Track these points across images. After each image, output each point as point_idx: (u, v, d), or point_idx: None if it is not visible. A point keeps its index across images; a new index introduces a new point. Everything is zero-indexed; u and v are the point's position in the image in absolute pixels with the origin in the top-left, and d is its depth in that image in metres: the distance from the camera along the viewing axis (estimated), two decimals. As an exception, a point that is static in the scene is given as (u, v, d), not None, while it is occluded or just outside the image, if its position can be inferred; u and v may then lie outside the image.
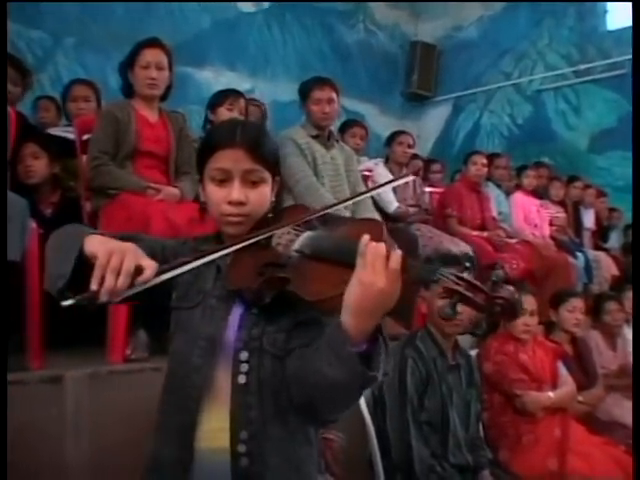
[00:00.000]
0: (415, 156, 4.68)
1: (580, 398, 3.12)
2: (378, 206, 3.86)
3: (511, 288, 0.98)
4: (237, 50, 6.70)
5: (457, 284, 0.99)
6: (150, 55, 2.69)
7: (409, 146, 4.26)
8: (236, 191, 1.19)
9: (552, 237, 4.87)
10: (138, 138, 2.67)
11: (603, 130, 6.75)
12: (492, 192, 4.79)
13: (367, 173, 4.18)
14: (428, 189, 4.54)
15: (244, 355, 1.15)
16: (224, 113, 3.09)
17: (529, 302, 2.89)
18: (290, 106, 6.74)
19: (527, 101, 7.49)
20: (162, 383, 1.24)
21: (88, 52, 5.62)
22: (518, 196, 4.90)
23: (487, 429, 2.72)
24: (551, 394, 2.82)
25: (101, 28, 5.62)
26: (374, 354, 1.01)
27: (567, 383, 2.96)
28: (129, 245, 1.03)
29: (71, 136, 3.07)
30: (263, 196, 1.24)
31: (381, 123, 7.49)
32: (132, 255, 1.00)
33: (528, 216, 4.82)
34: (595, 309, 3.78)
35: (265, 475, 1.13)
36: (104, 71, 5.02)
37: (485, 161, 4.56)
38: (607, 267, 4.97)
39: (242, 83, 6.10)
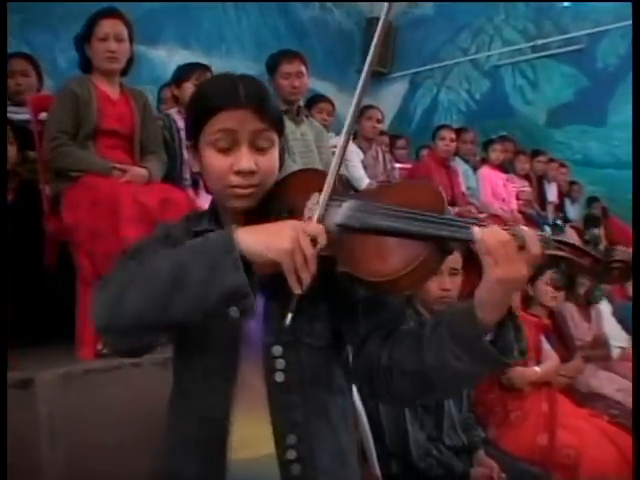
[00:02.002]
0: (381, 132, 4.57)
1: (561, 371, 3.10)
2: (349, 183, 3.75)
3: (625, 249, 0.85)
4: (191, 28, 6.44)
5: (562, 250, 0.86)
6: (108, 26, 2.47)
7: (378, 121, 4.15)
8: (245, 158, 1.01)
9: (519, 211, 4.85)
10: (100, 116, 2.45)
11: (561, 104, 6.78)
12: (460, 167, 4.73)
13: (335, 149, 4.04)
14: (397, 165, 4.43)
15: (278, 350, 1.01)
16: (190, 88, 2.89)
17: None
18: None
19: (484, 76, 7.47)
20: (171, 389, 1.09)
21: (35, 30, 5.26)
22: (485, 170, 4.87)
23: (474, 407, 2.65)
24: (537, 369, 2.78)
25: (48, 6, 5.28)
26: (506, 336, 0.90)
27: (551, 357, 2.93)
28: (290, 226, 0.90)
29: (18, 116, 2.81)
30: (273, 162, 1.06)
31: (338, 100, 7.34)
32: (303, 234, 0.88)
33: (495, 190, 4.80)
34: (569, 282, 3.76)
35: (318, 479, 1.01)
36: (52, 50, 4.74)
37: (453, 136, 4.52)
38: (571, 239, 5.00)
39: (197, 61, 5.87)
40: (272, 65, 3.19)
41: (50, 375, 1.79)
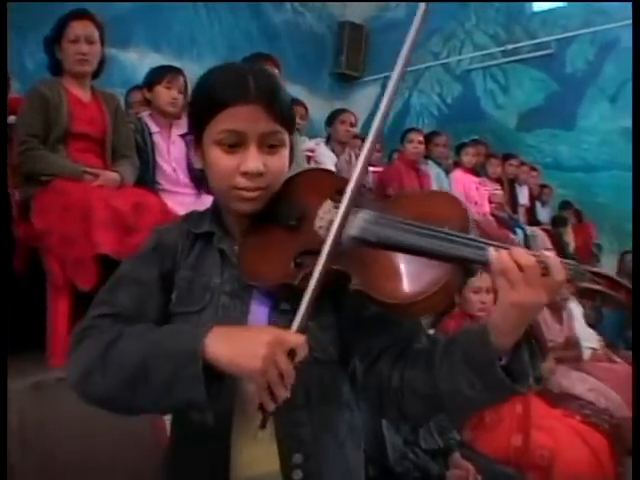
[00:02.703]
0: (355, 136, 4.58)
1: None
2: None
3: None
4: (162, 31, 6.38)
5: (597, 283, 0.81)
6: (79, 28, 2.44)
7: (351, 125, 4.16)
8: (253, 159, 0.94)
9: (492, 214, 4.91)
10: (70, 119, 2.41)
11: (531, 109, 6.87)
12: (432, 170, 4.77)
13: (309, 153, 4.05)
14: (370, 168, 4.44)
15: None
16: (162, 92, 2.87)
17: (484, 279, 2.85)
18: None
19: (456, 80, 7.55)
20: None
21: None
22: (458, 174, 4.91)
23: (450, 410, 2.67)
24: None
25: (16, 7, 5.18)
26: (521, 362, 0.84)
27: (524, 359, 2.96)
28: (267, 341, 0.81)
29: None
30: (283, 163, 0.99)
31: (310, 104, 7.33)
32: (280, 350, 0.80)
33: (468, 194, 4.84)
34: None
35: None
36: (20, 52, 4.64)
37: (421, 138, 4.54)
38: (543, 241, 5.09)
39: (169, 64, 5.81)
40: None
41: (21, 384, 1.75)
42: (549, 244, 5.14)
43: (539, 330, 3.52)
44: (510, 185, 5.53)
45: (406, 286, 0.84)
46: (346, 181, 0.92)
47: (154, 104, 2.89)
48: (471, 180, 4.95)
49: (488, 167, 5.17)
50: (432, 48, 7.71)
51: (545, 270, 0.79)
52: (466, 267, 0.85)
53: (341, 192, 0.92)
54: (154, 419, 1.71)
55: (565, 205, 6.11)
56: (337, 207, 0.91)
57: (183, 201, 2.65)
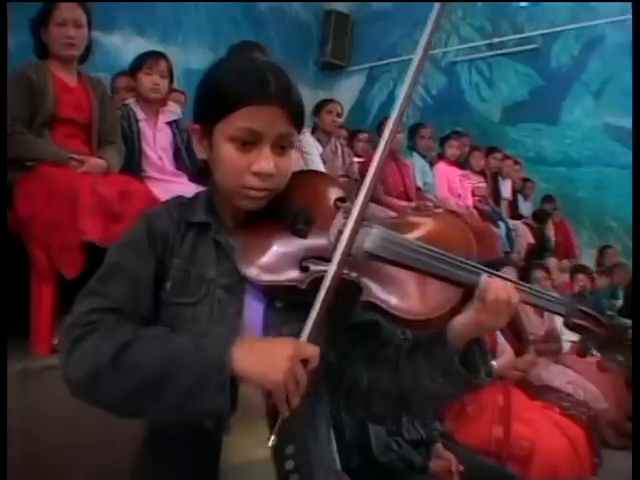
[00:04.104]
0: (340, 126, 4.57)
1: (516, 365, 3.18)
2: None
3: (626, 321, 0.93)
4: (147, 14, 6.28)
5: (584, 319, 0.92)
6: (66, 11, 2.40)
7: (338, 115, 4.15)
8: (266, 160, 0.94)
9: (475, 207, 4.94)
10: (56, 104, 2.37)
11: (515, 102, 6.91)
12: (417, 162, 4.78)
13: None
14: (356, 159, 4.45)
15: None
16: (143, 78, 2.82)
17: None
18: (203, 74, 6.48)
19: (441, 72, 7.55)
20: None
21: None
22: (441, 166, 4.93)
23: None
24: (494, 363, 2.84)
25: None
26: (474, 358, 0.95)
27: (506, 351, 3.01)
28: (287, 354, 0.84)
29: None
30: (290, 164, 1.00)
31: (295, 93, 7.32)
32: (297, 362, 0.84)
33: (452, 186, 4.87)
34: (523, 278, 3.85)
35: None
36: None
37: (399, 128, 4.51)
38: (524, 235, 5.15)
39: (152, 49, 5.72)
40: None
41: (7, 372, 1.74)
42: (531, 238, 5.20)
43: (520, 323, 3.57)
44: (493, 178, 5.57)
45: (419, 304, 0.92)
46: (348, 185, 0.97)
47: (137, 91, 2.86)
48: (455, 172, 4.97)
49: (472, 160, 5.19)
50: (418, 39, 7.66)
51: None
52: (469, 290, 0.92)
53: (344, 199, 0.99)
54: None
55: (547, 199, 6.18)
56: (347, 217, 0.93)
57: (169, 189, 2.63)
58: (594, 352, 3.49)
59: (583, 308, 0.92)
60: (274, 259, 0.95)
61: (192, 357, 0.85)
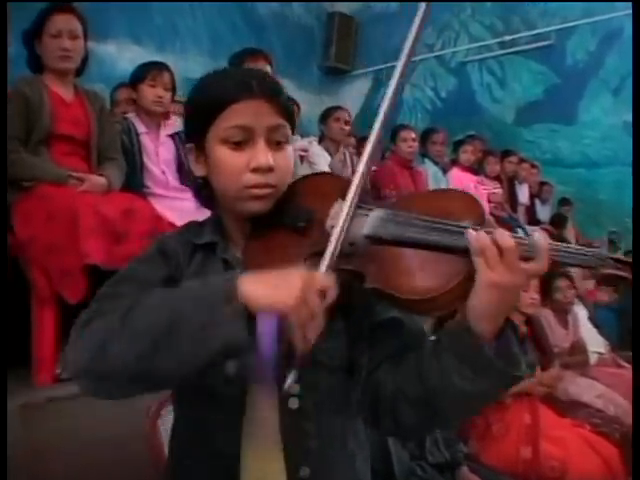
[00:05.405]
0: (348, 134, 4.56)
1: (541, 380, 3.14)
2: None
3: None
4: (142, 22, 6.32)
5: (619, 269, 0.86)
6: (61, 22, 2.42)
7: (346, 122, 4.15)
8: (262, 154, 0.96)
9: (491, 214, 4.90)
10: (53, 120, 2.38)
11: (529, 102, 6.89)
12: (429, 169, 4.76)
13: (302, 153, 4.03)
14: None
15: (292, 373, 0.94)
16: (146, 90, 2.83)
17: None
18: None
19: (451, 73, 7.56)
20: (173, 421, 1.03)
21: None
22: (455, 173, 4.91)
23: (455, 421, 2.67)
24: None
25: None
26: (509, 348, 0.87)
27: (531, 366, 2.96)
28: (298, 276, 0.82)
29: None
30: (290, 160, 1.02)
31: (298, 99, 7.31)
32: (311, 287, 0.81)
33: (466, 193, 4.83)
34: (546, 287, 3.81)
35: None
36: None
37: (414, 136, 4.52)
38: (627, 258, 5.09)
39: (149, 58, 5.75)
40: (235, 64, 3.15)
41: (8, 406, 1.72)
42: (551, 243, 5.16)
43: (544, 335, 3.53)
44: (509, 183, 5.54)
45: (424, 281, 0.86)
46: (330, 184, 0.99)
47: (139, 103, 2.86)
48: (469, 179, 4.95)
49: (486, 165, 5.17)
50: (426, 40, 7.71)
51: (529, 255, 0.82)
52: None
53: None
54: (150, 437, 1.68)
55: (563, 202, 6.14)
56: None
57: (173, 205, 2.62)
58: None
59: (614, 256, 0.86)
60: (278, 264, 0.92)
61: (200, 293, 0.85)
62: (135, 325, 0.84)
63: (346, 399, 1.01)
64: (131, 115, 2.85)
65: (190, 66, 6.36)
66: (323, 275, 0.85)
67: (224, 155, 0.98)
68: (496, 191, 5.08)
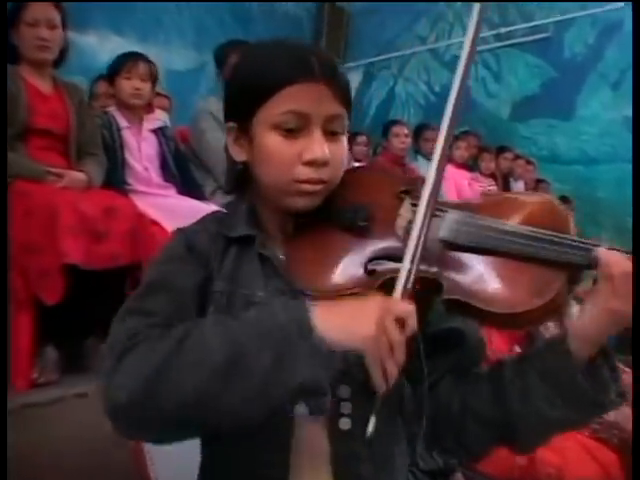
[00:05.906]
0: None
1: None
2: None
3: None
4: (124, 11, 6.26)
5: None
6: (38, 10, 2.40)
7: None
8: (319, 145, 0.88)
9: (487, 212, 4.91)
10: (30, 113, 2.36)
11: (525, 97, 6.87)
12: (422, 166, 4.77)
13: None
14: (356, 164, 4.44)
15: (345, 391, 0.89)
16: (122, 83, 2.80)
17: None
18: (187, 75, 6.49)
19: (444, 67, 7.53)
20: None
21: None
22: (449, 170, 4.91)
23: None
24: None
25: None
26: (601, 376, 0.83)
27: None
28: (375, 305, 0.76)
29: None
30: (345, 153, 0.94)
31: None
32: (389, 316, 0.74)
33: (460, 191, 4.85)
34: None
35: None
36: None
37: (407, 131, 4.54)
38: None
39: (131, 49, 5.69)
40: (221, 57, 3.15)
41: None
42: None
43: (539, 335, 3.54)
44: (504, 180, 5.56)
45: (515, 294, 0.81)
46: (412, 179, 0.92)
47: (117, 98, 2.84)
48: (463, 176, 4.97)
49: (481, 162, 5.19)
50: (419, 32, 7.72)
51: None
52: (574, 274, 0.83)
53: (408, 191, 0.91)
54: (132, 445, 1.67)
55: (562, 200, 6.15)
56: (416, 205, 0.86)
57: (156, 203, 2.61)
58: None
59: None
60: (335, 267, 0.89)
61: (266, 326, 0.77)
62: (191, 358, 0.77)
63: (396, 419, 0.97)
64: (112, 109, 2.83)
65: (174, 58, 6.35)
66: (403, 303, 0.78)
67: (274, 143, 0.90)
68: (490, 189, 5.10)
